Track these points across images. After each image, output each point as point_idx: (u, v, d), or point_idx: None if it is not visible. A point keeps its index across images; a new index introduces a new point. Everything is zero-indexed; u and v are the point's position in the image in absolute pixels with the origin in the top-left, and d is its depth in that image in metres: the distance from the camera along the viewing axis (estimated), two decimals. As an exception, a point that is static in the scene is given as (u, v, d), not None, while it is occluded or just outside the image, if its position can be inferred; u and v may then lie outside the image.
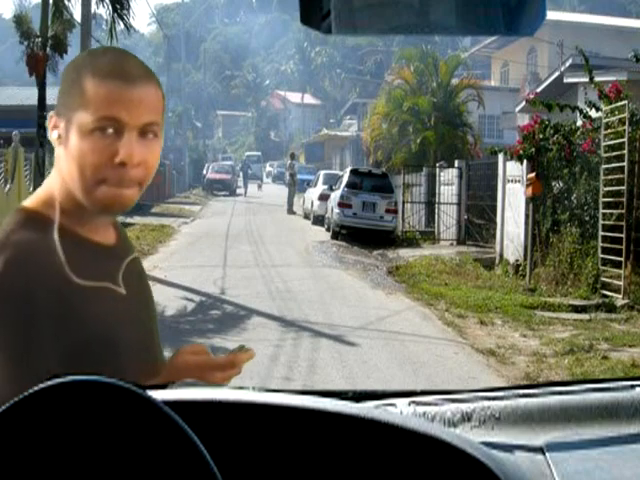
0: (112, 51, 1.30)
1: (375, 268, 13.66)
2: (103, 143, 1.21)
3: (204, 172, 41.16)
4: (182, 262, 13.22)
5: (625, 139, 9.60)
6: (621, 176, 9.70)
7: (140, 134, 1.23)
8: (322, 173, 25.45)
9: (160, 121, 1.28)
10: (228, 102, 69.62)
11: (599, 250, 10.08)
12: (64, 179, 1.27)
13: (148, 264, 11.62)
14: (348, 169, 20.30)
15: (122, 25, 14.00)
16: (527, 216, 12.02)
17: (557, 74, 16.55)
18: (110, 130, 1.21)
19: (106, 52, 1.30)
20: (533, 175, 11.26)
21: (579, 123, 11.60)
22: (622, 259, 9.46)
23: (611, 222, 9.91)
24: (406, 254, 15.64)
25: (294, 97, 63.34)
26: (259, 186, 41.65)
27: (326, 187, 20.85)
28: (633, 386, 0.95)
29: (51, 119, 1.28)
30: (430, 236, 18.47)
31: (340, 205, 17.92)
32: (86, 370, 1.22)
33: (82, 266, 1.23)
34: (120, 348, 1.24)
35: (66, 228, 1.26)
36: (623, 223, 9.53)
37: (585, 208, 11.02)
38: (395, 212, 18.42)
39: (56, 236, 1.23)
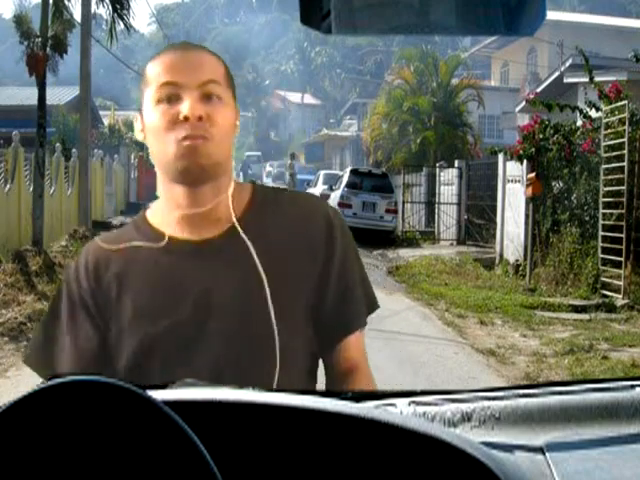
0: None
1: (375, 268, 13.65)
2: (168, 109, 1.28)
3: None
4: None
5: (625, 139, 9.59)
6: (621, 176, 9.70)
7: (202, 97, 1.29)
8: (322, 173, 25.46)
9: (222, 82, 1.32)
10: (228, 102, 69.47)
11: (599, 250, 10.07)
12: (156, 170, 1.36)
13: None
14: (348, 169, 20.30)
15: (122, 25, 14.04)
16: (527, 216, 12.02)
17: (557, 74, 16.54)
18: (172, 98, 1.28)
19: None
20: (533, 175, 11.26)
21: (579, 123, 11.60)
22: (622, 259, 9.46)
23: (611, 222, 9.90)
24: (406, 254, 15.64)
25: (294, 97, 63.27)
26: (259, 186, 41.53)
27: (326, 187, 20.84)
28: (633, 386, 0.95)
29: (135, 121, 1.37)
30: (430, 236, 18.47)
31: (340, 205, 17.89)
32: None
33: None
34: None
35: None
36: (623, 223, 9.52)
37: (585, 208, 11.01)
38: (395, 212, 18.42)
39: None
